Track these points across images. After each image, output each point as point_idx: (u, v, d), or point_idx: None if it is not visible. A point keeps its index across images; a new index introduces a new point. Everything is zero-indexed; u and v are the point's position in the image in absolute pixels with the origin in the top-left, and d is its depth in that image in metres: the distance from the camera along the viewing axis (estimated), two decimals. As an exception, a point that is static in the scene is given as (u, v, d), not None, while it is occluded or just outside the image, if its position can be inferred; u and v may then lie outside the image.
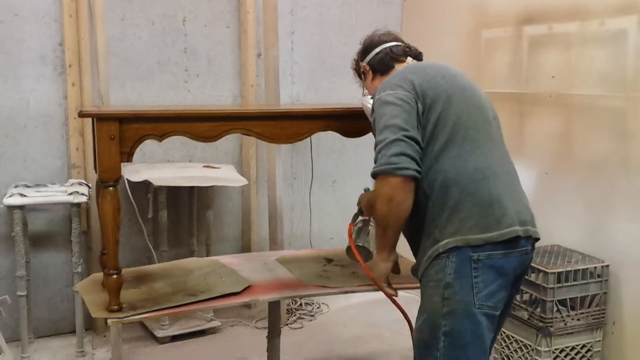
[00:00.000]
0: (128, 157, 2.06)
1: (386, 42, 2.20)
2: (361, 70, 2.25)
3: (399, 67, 2.14)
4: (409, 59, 2.17)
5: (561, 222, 3.21)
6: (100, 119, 2.05)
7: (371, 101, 2.10)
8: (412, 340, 2.02)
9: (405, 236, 2.07)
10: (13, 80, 3.33)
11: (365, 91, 2.29)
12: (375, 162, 1.86)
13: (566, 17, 3.19)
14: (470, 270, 1.85)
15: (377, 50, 2.18)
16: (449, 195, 1.87)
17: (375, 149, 1.89)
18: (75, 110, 3.38)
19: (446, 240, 1.86)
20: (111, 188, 2.06)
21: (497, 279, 1.87)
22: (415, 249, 2.02)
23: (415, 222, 1.94)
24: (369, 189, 2.46)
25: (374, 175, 1.87)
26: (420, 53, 2.24)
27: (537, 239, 2.00)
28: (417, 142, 1.86)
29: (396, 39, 2.23)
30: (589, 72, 3.07)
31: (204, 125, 2.16)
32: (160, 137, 2.12)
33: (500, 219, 1.87)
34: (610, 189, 2.97)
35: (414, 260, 2.04)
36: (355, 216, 2.40)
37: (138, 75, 3.61)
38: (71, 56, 3.38)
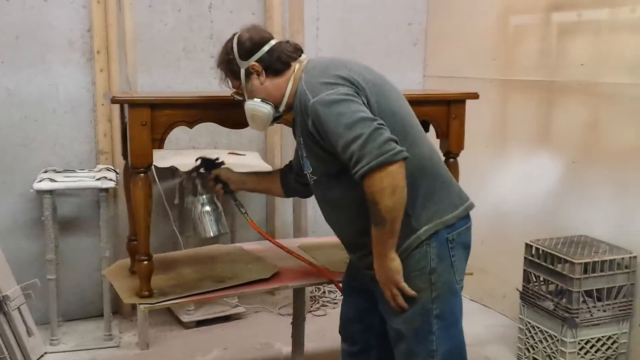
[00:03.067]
0: (160, 143, 2.08)
1: (270, 38, 2.00)
2: (246, 70, 1.97)
3: (293, 66, 1.98)
4: (303, 55, 2.02)
5: (588, 213, 3.18)
6: (133, 105, 2.06)
7: (265, 105, 1.96)
8: (395, 334, 1.99)
9: (349, 235, 2.03)
10: (42, 66, 3.36)
11: (237, 94, 2.06)
12: (357, 162, 1.73)
13: (596, 3, 3.15)
14: (448, 250, 1.92)
15: (268, 48, 1.96)
16: (418, 183, 1.87)
17: (344, 150, 1.75)
18: (104, 96, 3.40)
19: (425, 227, 1.89)
20: (142, 174, 2.08)
21: (465, 253, 1.99)
22: (364, 245, 1.93)
23: (365, 218, 1.85)
24: (200, 158, 2.39)
25: (367, 172, 1.73)
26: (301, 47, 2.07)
27: None
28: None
29: (271, 34, 2.05)
30: (619, 60, 3.03)
31: (234, 112, 2.15)
32: (191, 123, 2.14)
33: (460, 194, 2.00)
34: (639, 179, 2.93)
35: None
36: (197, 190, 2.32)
37: (164, 62, 3.63)
38: (99, 42, 3.40)
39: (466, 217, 1.98)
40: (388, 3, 4.17)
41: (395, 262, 1.87)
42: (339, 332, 2.32)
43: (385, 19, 4.18)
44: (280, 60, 1.96)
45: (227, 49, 2.00)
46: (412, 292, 1.89)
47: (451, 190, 1.97)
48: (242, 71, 1.98)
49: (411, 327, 1.95)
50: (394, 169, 1.73)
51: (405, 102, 1.99)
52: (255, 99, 1.99)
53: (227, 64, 2.01)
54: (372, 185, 1.74)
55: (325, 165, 1.92)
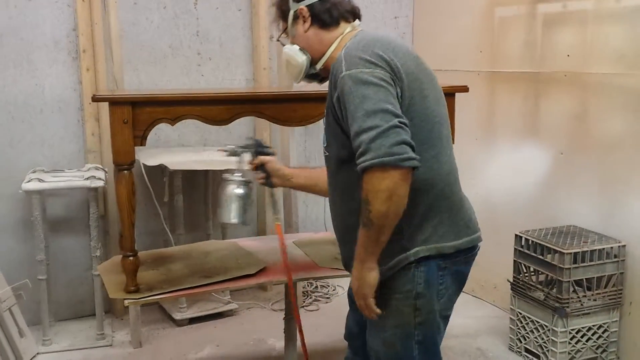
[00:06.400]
0: (142, 140, 2.08)
1: None
2: (294, 13, 1.88)
3: (343, 27, 1.87)
4: (357, 21, 1.90)
5: (577, 203, 3.19)
6: (113, 103, 2.07)
7: (301, 55, 1.88)
8: (375, 355, 1.88)
9: (341, 225, 1.88)
10: (28, 66, 3.35)
11: (284, 37, 1.96)
12: (363, 153, 1.59)
13: (582, -7, 3.15)
14: (438, 278, 1.77)
15: None
16: (420, 200, 1.71)
17: (355, 136, 1.61)
18: (90, 95, 3.40)
19: (417, 249, 1.73)
20: (126, 171, 2.09)
21: (456, 283, 1.84)
22: (351, 242, 1.78)
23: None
24: (252, 138, 2.30)
25: (368, 168, 1.58)
26: (360, 12, 1.94)
27: None
28: (410, 128, 1.64)
29: None
30: (605, 50, 3.03)
31: (216, 109, 2.16)
32: (173, 120, 2.13)
33: (469, 224, 1.82)
34: (627, 168, 2.93)
35: None
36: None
37: (151, 60, 3.62)
38: (85, 41, 3.39)
39: (469, 249, 1.81)
40: (373, -4, 4.16)
41: (372, 274, 1.71)
42: (344, 337, 2.19)
43: (372, 12, 4.17)
44: (329, 13, 1.85)
45: None
46: (377, 311, 1.75)
47: (458, 217, 1.79)
48: (291, 13, 1.88)
49: (392, 350, 1.82)
50: (397, 174, 1.57)
51: (443, 109, 1.82)
52: (294, 45, 1.90)
53: (280, 2, 1.92)
54: (370, 183, 1.59)
55: (338, 145, 1.77)
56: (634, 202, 2.91)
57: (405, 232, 1.73)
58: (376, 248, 1.68)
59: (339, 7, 1.86)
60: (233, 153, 2.26)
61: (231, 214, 2.20)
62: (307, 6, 1.85)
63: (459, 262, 1.80)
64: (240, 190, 2.19)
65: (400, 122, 1.60)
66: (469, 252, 1.82)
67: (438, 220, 1.75)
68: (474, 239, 1.82)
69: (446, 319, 1.86)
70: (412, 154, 1.59)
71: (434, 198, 1.74)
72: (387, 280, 1.76)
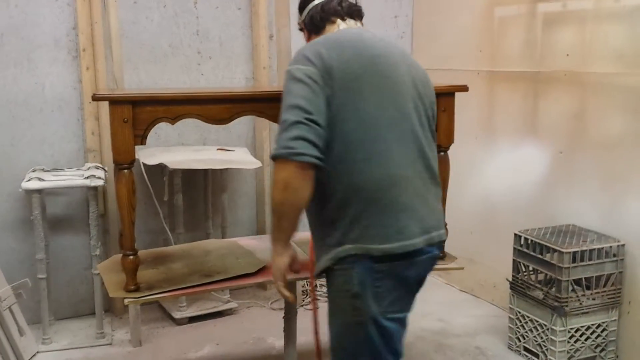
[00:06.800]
0: (142, 139, 2.08)
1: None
2: (301, 28, 2.11)
3: (330, 29, 1.99)
4: (339, 20, 1.99)
5: (576, 202, 3.19)
6: (114, 102, 2.07)
7: None
8: (331, 346, 1.92)
9: (311, 228, 1.96)
10: (28, 65, 3.35)
11: None
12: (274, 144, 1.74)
13: (581, -7, 3.15)
14: (373, 280, 1.78)
15: (310, 6, 2.02)
16: (352, 202, 1.76)
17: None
18: (90, 94, 3.40)
19: (348, 246, 1.77)
20: (126, 170, 2.09)
21: (400, 286, 1.82)
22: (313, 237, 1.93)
23: (311, 208, 1.83)
24: None
25: (271, 158, 1.73)
26: (357, 10, 2.04)
27: (444, 241, 1.95)
28: (320, 126, 1.71)
29: None
30: (604, 49, 3.03)
31: (216, 108, 2.17)
32: (173, 119, 2.14)
33: (403, 230, 1.78)
34: (626, 167, 2.94)
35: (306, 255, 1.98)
36: None
37: (151, 58, 3.62)
38: (85, 40, 3.39)
39: (408, 254, 1.79)
40: (373, -5, 4.16)
41: (280, 259, 1.86)
42: None
43: (371, 12, 4.10)
44: (312, 20, 2.02)
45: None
46: (286, 294, 1.91)
47: (389, 221, 1.77)
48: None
49: (340, 346, 1.88)
50: (291, 167, 1.67)
51: (395, 111, 1.81)
52: None
53: (298, 17, 2.12)
54: (274, 173, 1.74)
55: None
56: (633, 202, 2.91)
57: (339, 228, 1.78)
58: (279, 234, 1.82)
59: (320, 12, 2.00)
60: None
61: None
62: (302, 21, 2.07)
63: (399, 266, 1.79)
64: None
65: (306, 119, 1.69)
66: (407, 257, 1.79)
67: (368, 222, 1.77)
68: (404, 245, 1.77)
69: (396, 321, 1.84)
70: (307, 150, 1.67)
71: (363, 201, 1.76)
72: (331, 278, 1.84)
